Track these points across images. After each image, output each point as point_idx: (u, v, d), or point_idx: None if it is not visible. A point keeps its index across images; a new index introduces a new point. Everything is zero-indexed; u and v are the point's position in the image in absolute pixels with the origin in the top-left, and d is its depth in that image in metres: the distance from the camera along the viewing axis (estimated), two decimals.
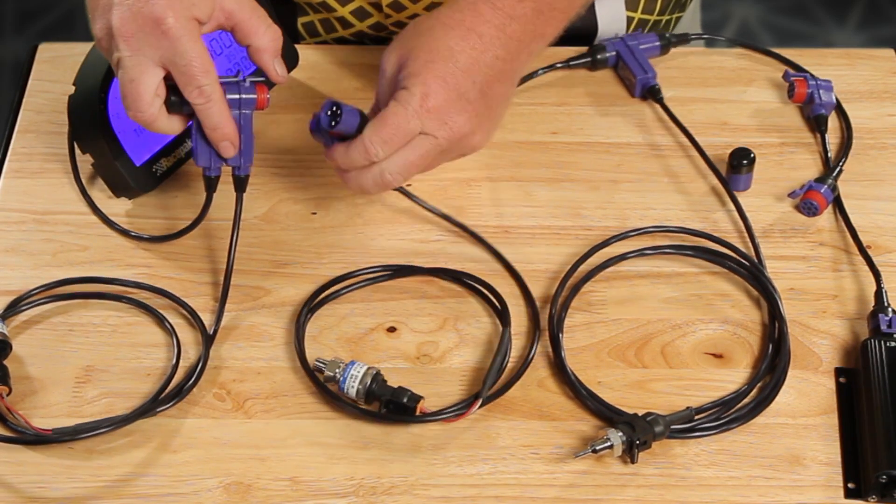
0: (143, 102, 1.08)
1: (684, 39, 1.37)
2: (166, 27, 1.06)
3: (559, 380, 1.12)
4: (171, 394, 1.10)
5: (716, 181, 1.25)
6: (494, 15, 1.15)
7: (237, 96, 1.11)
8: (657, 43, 1.35)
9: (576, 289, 1.17)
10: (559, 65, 1.34)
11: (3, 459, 1.07)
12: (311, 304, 1.16)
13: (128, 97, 1.08)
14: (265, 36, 1.11)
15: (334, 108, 1.11)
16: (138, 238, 1.21)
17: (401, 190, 1.22)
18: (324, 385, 1.10)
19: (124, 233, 1.22)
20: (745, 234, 1.21)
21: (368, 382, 1.08)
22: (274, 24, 1.12)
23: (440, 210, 1.21)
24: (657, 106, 1.31)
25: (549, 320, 1.15)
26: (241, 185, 1.15)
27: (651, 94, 1.32)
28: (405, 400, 1.08)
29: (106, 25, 1.09)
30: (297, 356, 1.12)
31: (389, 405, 1.08)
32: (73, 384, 1.12)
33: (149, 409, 1.09)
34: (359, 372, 1.09)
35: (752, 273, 1.18)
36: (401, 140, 1.11)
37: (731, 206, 1.23)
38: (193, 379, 1.11)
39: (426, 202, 1.21)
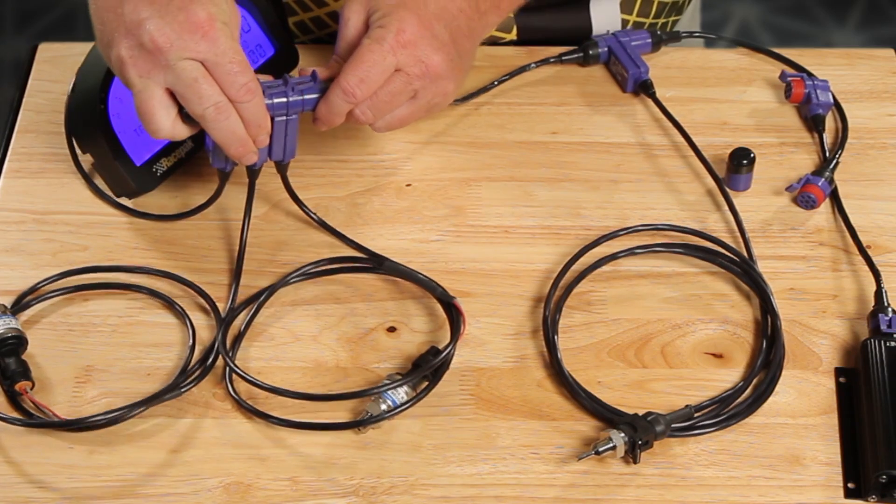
0: (211, 97, 1.07)
1: (675, 37, 1.37)
2: (206, 29, 1.06)
3: (557, 381, 1.12)
4: (192, 371, 1.11)
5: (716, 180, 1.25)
6: None
7: (300, 97, 1.13)
8: (648, 40, 1.36)
9: (568, 290, 1.17)
10: (552, 59, 1.35)
11: (2, 460, 1.07)
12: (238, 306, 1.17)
13: (190, 99, 1.07)
14: None
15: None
16: (154, 218, 1.23)
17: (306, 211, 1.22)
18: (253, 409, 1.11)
19: (139, 215, 1.23)
20: (740, 232, 1.22)
21: (406, 381, 1.09)
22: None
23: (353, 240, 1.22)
24: (652, 104, 1.31)
25: (543, 322, 1.15)
26: (281, 169, 1.18)
27: (643, 88, 1.32)
28: (432, 357, 1.10)
29: (136, 44, 1.07)
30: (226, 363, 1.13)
31: (430, 374, 1.10)
32: (73, 384, 1.12)
33: (174, 386, 1.10)
34: (393, 388, 1.09)
35: (743, 269, 1.18)
36: (377, 77, 1.12)
37: (728, 204, 1.23)
38: (213, 357, 1.12)
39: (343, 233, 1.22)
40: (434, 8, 1.15)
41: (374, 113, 1.14)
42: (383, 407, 1.08)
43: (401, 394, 1.09)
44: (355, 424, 1.08)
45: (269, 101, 1.11)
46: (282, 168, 1.18)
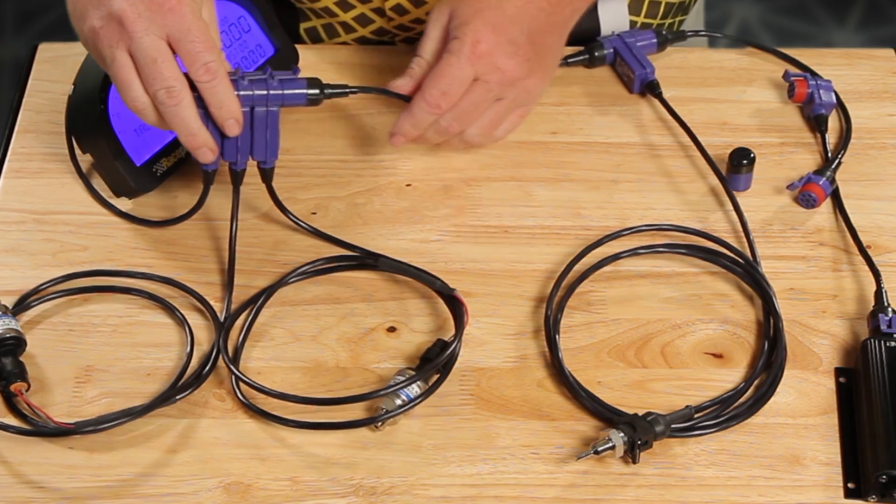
0: (165, 80, 1.08)
1: (681, 36, 1.37)
2: (171, 5, 1.07)
3: (558, 380, 1.12)
4: (188, 381, 1.11)
5: (716, 180, 1.25)
6: None
7: (280, 91, 1.13)
8: (654, 40, 1.36)
9: (571, 289, 1.17)
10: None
11: (2, 460, 1.07)
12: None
13: (145, 78, 1.08)
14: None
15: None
16: (148, 224, 1.22)
17: (282, 207, 1.21)
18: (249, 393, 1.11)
19: (131, 219, 1.23)
20: (742, 233, 1.22)
21: (421, 377, 1.09)
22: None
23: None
24: (657, 103, 1.31)
25: (545, 321, 1.15)
26: (266, 176, 1.17)
27: (650, 89, 1.32)
28: (440, 349, 1.11)
29: (106, 14, 1.09)
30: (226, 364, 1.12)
31: (442, 367, 1.11)
32: (73, 384, 1.12)
33: (168, 396, 1.09)
34: (403, 383, 1.09)
35: (746, 270, 1.18)
36: (458, 88, 1.17)
37: (730, 205, 1.23)
38: (210, 366, 1.12)
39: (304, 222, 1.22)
40: (511, 11, 1.19)
41: (459, 122, 1.18)
42: (398, 402, 1.08)
43: (413, 388, 1.09)
44: (371, 421, 1.08)
45: (250, 92, 1.11)
46: (266, 176, 1.17)
